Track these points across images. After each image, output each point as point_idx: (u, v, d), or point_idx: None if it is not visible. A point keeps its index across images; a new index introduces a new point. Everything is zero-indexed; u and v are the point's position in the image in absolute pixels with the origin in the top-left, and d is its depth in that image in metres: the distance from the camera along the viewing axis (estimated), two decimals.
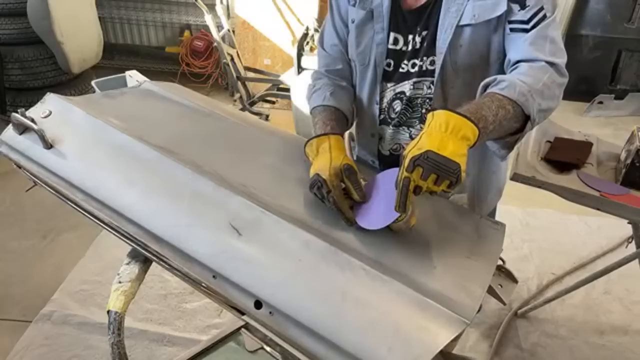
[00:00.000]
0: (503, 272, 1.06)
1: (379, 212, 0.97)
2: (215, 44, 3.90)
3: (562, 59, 1.06)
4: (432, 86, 1.17)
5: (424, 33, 1.15)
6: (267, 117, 3.63)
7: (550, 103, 1.03)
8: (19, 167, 1.21)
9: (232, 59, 3.66)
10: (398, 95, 1.23)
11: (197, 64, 4.55)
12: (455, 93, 1.15)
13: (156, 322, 2.16)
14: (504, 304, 1.04)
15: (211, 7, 3.67)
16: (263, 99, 3.85)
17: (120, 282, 1.01)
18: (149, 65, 4.69)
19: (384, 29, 1.18)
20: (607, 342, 2.17)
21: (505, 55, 1.11)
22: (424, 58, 1.16)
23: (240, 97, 3.70)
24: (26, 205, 2.85)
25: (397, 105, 1.24)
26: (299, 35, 3.29)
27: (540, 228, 2.84)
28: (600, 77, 4.56)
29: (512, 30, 1.08)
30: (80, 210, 1.09)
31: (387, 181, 0.98)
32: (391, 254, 0.94)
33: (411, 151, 0.87)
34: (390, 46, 1.19)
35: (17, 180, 2.66)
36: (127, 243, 1.04)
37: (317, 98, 1.26)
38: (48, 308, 2.19)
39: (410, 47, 1.18)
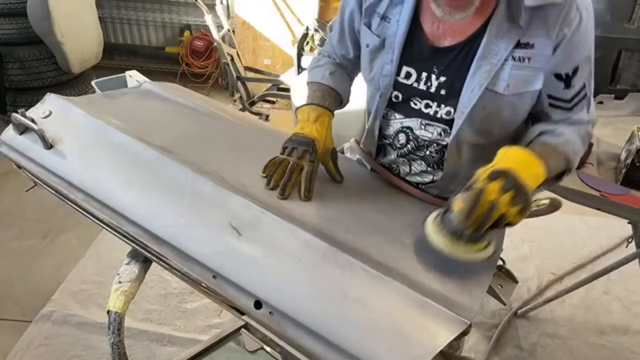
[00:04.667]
0: (503, 272, 1.06)
1: None
2: (215, 44, 3.90)
3: (595, 114, 1.10)
4: (443, 133, 1.12)
5: (443, 79, 1.07)
6: (267, 117, 3.63)
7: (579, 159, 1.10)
8: (19, 167, 1.21)
9: (232, 59, 3.66)
10: (404, 129, 1.18)
11: (197, 64, 4.55)
12: (468, 146, 1.11)
13: (156, 322, 2.16)
14: (504, 304, 1.04)
15: (211, 7, 3.67)
16: (263, 99, 3.85)
17: (120, 282, 1.01)
18: (149, 65, 4.69)
19: (393, 61, 1.11)
20: (607, 342, 2.17)
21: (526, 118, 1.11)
22: (441, 105, 1.10)
23: (240, 97, 3.70)
24: (26, 205, 2.84)
25: (402, 138, 1.19)
26: (299, 35, 3.30)
27: (540, 228, 2.84)
28: (600, 77, 4.55)
29: (551, 105, 1.06)
30: (80, 210, 1.09)
31: None
32: (391, 254, 0.94)
33: (490, 167, 0.89)
34: (400, 79, 1.13)
35: (17, 180, 2.67)
36: (127, 243, 1.04)
37: (317, 74, 1.27)
38: (48, 308, 2.18)
39: (422, 86, 1.11)
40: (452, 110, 1.08)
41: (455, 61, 1.05)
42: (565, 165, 1.04)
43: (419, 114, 1.14)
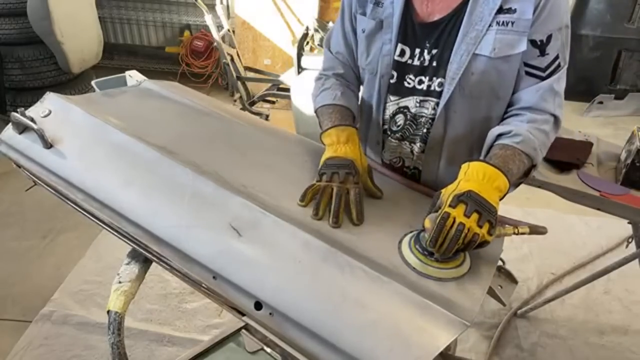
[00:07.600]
0: (503, 272, 1.06)
1: None
2: (215, 44, 3.90)
3: (562, 112, 1.13)
4: (436, 107, 1.16)
5: (434, 51, 1.12)
6: (267, 117, 3.62)
7: (547, 150, 1.13)
8: (19, 166, 1.21)
9: (232, 59, 3.66)
10: (402, 109, 1.21)
11: (197, 64, 4.55)
12: (457, 117, 1.15)
13: (156, 322, 2.16)
14: (504, 304, 1.04)
15: (211, 7, 3.67)
16: (263, 99, 3.85)
17: (120, 282, 1.01)
18: (149, 65, 4.69)
19: (392, 40, 1.15)
20: (607, 342, 2.17)
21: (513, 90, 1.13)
22: (433, 78, 1.14)
23: (240, 97, 3.70)
24: (26, 205, 2.84)
25: (400, 119, 1.22)
26: (299, 35, 3.29)
27: None
28: (600, 77, 4.56)
29: (527, 73, 1.10)
30: (80, 210, 1.09)
31: None
32: (391, 255, 0.94)
33: (453, 191, 0.91)
34: (396, 57, 1.17)
35: (17, 180, 2.66)
36: (127, 243, 1.03)
37: (327, 97, 1.24)
38: (48, 308, 2.19)
39: (416, 62, 1.15)
40: (443, 80, 1.13)
41: (444, 32, 1.11)
42: (529, 162, 1.07)
43: (412, 91, 1.18)
